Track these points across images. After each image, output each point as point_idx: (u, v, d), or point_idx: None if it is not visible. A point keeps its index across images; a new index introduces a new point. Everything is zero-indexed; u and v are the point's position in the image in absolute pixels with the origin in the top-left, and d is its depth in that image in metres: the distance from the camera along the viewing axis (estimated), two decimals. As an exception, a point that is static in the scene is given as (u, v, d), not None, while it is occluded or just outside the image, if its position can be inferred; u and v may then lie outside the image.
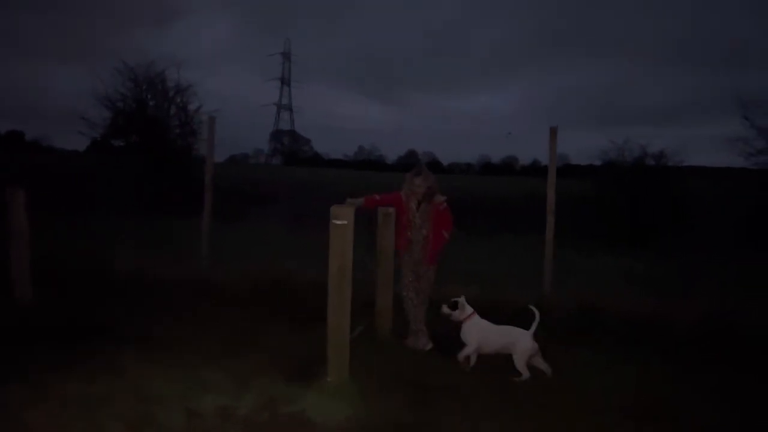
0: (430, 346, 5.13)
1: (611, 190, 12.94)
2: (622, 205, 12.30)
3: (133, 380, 3.95)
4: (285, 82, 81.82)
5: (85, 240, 8.11)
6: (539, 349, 4.54)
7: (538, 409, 3.86)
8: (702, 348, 5.15)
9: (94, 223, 9.74)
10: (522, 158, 50.84)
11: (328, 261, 3.90)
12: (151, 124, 15.16)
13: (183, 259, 7.16)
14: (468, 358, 4.67)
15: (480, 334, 4.67)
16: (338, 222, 3.86)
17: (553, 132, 6.50)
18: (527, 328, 4.55)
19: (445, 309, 4.82)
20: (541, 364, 4.55)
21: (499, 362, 4.58)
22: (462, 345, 4.70)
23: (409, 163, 48.21)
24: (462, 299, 4.82)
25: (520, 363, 4.47)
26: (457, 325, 4.78)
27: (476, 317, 4.77)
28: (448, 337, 4.89)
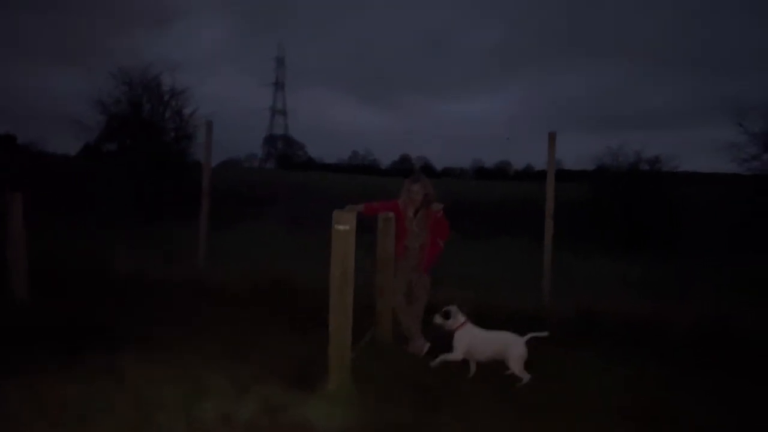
0: (427, 348, 5.12)
1: (607, 195, 13.02)
2: (617, 209, 12.39)
3: (132, 381, 3.92)
4: (279, 86, 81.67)
5: (84, 240, 8.08)
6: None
7: (538, 411, 3.88)
8: (698, 351, 5.21)
9: (90, 227, 9.70)
10: (515, 163, 50.83)
11: (330, 266, 3.87)
12: (146, 128, 15.12)
13: (182, 260, 7.15)
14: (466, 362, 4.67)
15: (471, 342, 4.64)
16: (341, 227, 3.81)
17: (552, 137, 6.55)
18: (521, 333, 4.55)
19: (438, 319, 4.79)
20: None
21: (499, 364, 4.60)
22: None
23: (402, 168, 48.26)
24: (454, 308, 4.78)
25: (517, 368, 4.46)
26: (452, 333, 4.77)
27: (469, 325, 4.73)
28: (448, 340, 4.89)
